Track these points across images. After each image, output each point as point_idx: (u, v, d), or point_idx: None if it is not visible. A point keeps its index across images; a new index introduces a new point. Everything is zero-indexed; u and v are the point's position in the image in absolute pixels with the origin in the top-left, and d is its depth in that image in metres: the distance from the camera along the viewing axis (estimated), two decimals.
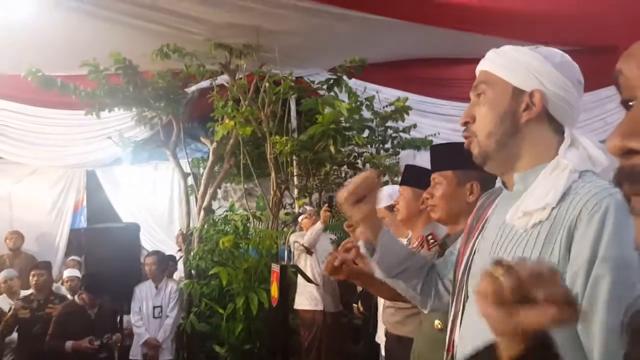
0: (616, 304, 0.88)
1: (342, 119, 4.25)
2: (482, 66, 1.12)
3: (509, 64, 1.07)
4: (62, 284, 4.96)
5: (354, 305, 4.01)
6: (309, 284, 4.06)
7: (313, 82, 4.85)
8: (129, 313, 4.43)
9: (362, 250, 1.40)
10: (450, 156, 1.88)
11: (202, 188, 5.05)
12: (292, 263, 4.02)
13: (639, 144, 0.47)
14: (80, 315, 4.00)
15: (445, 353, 1.23)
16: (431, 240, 2.42)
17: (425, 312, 1.46)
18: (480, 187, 1.77)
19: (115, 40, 4.42)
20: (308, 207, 4.33)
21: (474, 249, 1.17)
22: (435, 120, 5.41)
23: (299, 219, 4.36)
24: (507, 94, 1.06)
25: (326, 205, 4.13)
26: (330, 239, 4.39)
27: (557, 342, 0.63)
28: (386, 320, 2.68)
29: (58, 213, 6.38)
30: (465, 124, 1.12)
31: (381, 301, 2.82)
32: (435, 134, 5.04)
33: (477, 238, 1.18)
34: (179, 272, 5.18)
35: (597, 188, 0.96)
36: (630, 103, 0.52)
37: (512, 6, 4.32)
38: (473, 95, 1.11)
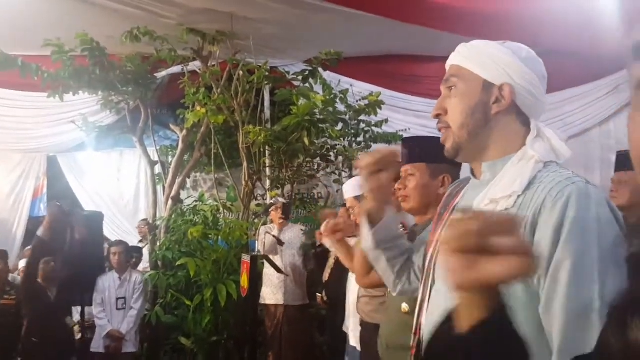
0: (575, 287, 0.91)
1: (316, 111, 4.23)
2: (453, 60, 1.15)
3: (479, 58, 1.11)
4: (18, 274, 4.76)
5: (318, 295, 4.03)
6: (276, 276, 4.04)
7: (288, 72, 4.80)
8: (91, 305, 4.28)
9: (330, 244, 1.46)
10: (423, 149, 1.95)
11: (170, 177, 4.93)
12: (262, 254, 3.97)
13: None
14: (40, 295, 3.74)
15: (412, 336, 1.27)
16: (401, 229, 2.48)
17: (394, 294, 1.52)
18: (451, 180, 1.83)
19: (82, 20, 4.25)
20: (280, 199, 4.29)
21: (442, 235, 1.20)
22: (406, 115, 5.48)
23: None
24: (477, 87, 1.10)
25: (280, 212, 4.11)
26: (302, 229, 4.38)
27: (518, 323, 0.63)
28: (361, 310, 2.75)
29: (16, 200, 6.11)
30: (437, 116, 1.15)
31: (354, 291, 2.84)
32: (405, 129, 5.10)
33: (445, 225, 1.21)
34: (144, 263, 5.05)
35: (560, 177, 1.00)
36: None
37: (486, 7, 4.41)
38: (444, 88, 1.15)
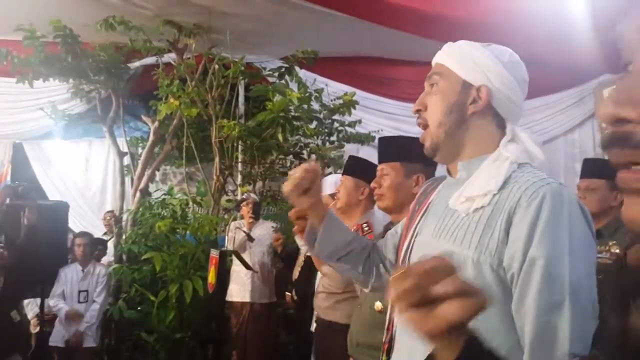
0: (547, 284, 0.94)
1: (291, 108, 4.23)
2: (438, 58, 1.18)
3: (461, 58, 1.14)
4: None
5: (287, 293, 4.00)
6: (243, 272, 4.01)
7: (264, 68, 4.79)
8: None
9: (301, 242, 1.45)
10: (398, 148, 1.99)
11: (139, 169, 4.85)
12: (231, 249, 3.93)
13: (631, 112, 0.47)
14: None
15: (385, 332, 1.29)
16: (366, 228, 2.51)
17: (367, 291, 1.51)
18: (425, 179, 1.86)
19: (57, 6, 4.16)
20: (252, 195, 4.26)
21: (416, 231, 1.23)
22: (378, 117, 5.53)
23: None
24: (457, 87, 1.13)
25: (250, 212, 4.09)
26: (272, 226, 4.36)
27: (491, 325, 0.66)
28: (317, 305, 2.74)
29: None
30: (418, 111, 1.18)
31: (315, 287, 2.85)
32: (378, 131, 5.15)
33: (419, 221, 1.24)
34: (108, 257, 4.94)
35: (535, 178, 1.03)
36: (629, 68, 0.53)
37: (462, 14, 4.50)
38: (427, 84, 1.17)
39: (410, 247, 1.22)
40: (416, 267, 0.62)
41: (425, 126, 1.17)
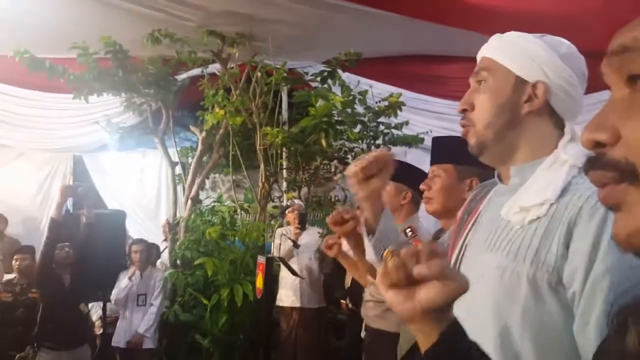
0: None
1: (334, 112, 4.20)
2: (485, 52, 1.07)
3: (513, 52, 1.03)
4: None
5: (342, 301, 3.99)
6: (292, 278, 4.04)
7: (306, 73, 4.79)
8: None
9: (347, 248, 1.40)
10: (452, 150, 1.86)
11: (189, 177, 4.99)
12: (277, 256, 3.98)
13: (602, 135, 0.49)
14: (54, 280, 3.71)
15: None
16: (409, 233, 2.43)
17: None
18: (479, 183, 1.76)
19: (106, 23, 4.33)
20: (297, 201, 4.28)
21: (465, 243, 1.14)
22: (427, 117, 5.39)
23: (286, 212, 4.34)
24: (509, 84, 1.02)
25: (297, 222, 4.09)
26: (318, 232, 4.37)
27: (551, 347, 0.63)
28: (365, 314, 2.70)
29: (44, 198, 6.27)
30: (463, 111, 1.07)
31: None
32: (427, 132, 5.02)
33: (469, 232, 1.15)
34: (163, 262, 5.12)
35: None
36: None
37: (516, 5, 4.28)
38: (473, 81, 1.07)
39: (458, 260, 1.13)
40: (404, 248, 0.64)
41: (469, 127, 1.06)
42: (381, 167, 1.24)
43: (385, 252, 0.62)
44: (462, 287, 0.60)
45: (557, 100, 1.01)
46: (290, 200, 4.26)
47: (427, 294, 0.60)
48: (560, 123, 1.03)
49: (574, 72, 1.01)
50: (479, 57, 1.09)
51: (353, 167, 1.25)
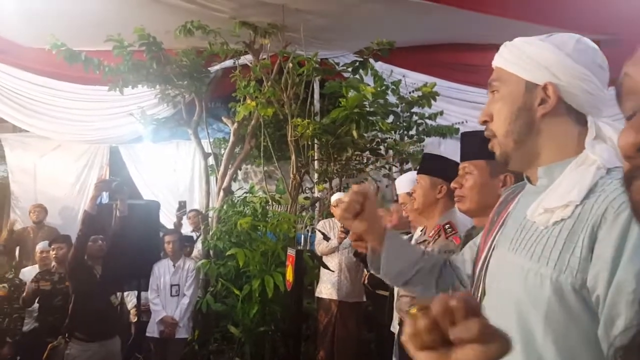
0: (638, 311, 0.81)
1: (366, 103, 4.14)
2: (495, 62, 1.08)
3: (519, 58, 1.03)
4: None
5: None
6: (329, 272, 4.05)
7: (338, 64, 4.73)
8: (147, 290, 4.46)
9: (370, 264, 1.39)
10: (484, 145, 1.79)
11: (222, 168, 5.01)
12: (308, 248, 3.97)
13: None
14: (86, 272, 3.72)
15: None
16: (448, 229, 2.36)
17: None
18: (514, 179, 1.69)
19: (139, 16, 4.39)
20: (339, 193, 4.23)
21: (493, 244, 1.14)
22: (462, 107, 5.27)
23: (332, 203, 4.32)
24: (520, 90, 1.02)
25: (341, 225, 4.06)
26: None
27: (575, 352, 0.58)
28: (399, 308, 2.65)
29: (81, 188, 6.43)
30: (484, 122, 1.09)
31: (396, 290, 2.76)
32: (462, 122, 4.90)
33: (497, 233, 1.14)
34: (196, 252, 5.18)
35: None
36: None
37: None
38: (489, 92, 1.08)
39: (486, 261, 1.13)
40: (435, 304, 0.55)
41: (493, 136, 1.07)
42: (363, 202, 1.25)
43: (413, 309, 0.56)
44: (503, 348, 0.53)
45: (572, 97, 1.00)
46: (321, 192, 4.23)
47: (465, 356, 0.53)
48: (582, 119, 1.01)
49: (585, 67, 0.99)
50: (493, 66, 1.10)
51: (338, 211, 1.28)
